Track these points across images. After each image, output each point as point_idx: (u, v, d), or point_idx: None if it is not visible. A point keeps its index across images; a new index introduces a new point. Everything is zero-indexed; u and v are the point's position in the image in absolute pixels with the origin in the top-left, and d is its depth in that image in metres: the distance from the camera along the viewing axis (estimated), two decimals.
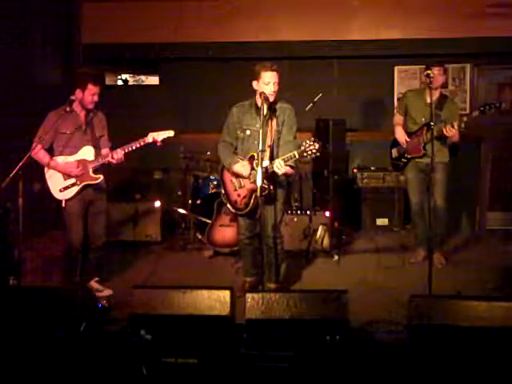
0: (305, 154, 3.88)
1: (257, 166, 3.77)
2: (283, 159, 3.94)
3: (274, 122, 4.15)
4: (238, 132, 4.28)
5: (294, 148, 4.06)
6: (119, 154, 4.34)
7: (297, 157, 3.93)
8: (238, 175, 4.25)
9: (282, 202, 4.30)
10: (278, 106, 4.19)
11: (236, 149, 4.34)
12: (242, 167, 4.19)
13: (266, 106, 3.99)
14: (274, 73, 4.08)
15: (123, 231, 6.08)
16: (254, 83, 4.14)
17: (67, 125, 4.40)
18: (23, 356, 3.09)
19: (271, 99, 4.04)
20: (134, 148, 4.37)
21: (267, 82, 4.06)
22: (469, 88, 6.81)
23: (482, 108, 4.76)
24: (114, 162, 4.38)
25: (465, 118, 4.90)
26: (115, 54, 6.99)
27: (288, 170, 4.00)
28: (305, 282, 4.90)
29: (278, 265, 4.42)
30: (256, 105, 4.20)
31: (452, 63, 6.60)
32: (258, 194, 3.73)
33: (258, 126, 4.08)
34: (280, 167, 3.93)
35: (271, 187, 4.11)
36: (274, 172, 4.00)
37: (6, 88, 5.53)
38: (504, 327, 2.89)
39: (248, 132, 4.24)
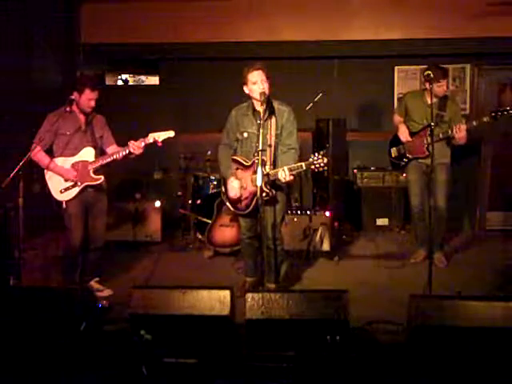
0: (312, 167, 3.91)
1: (257, 167, 3.77)
2: (289, 168, 3.95)
3: (273, 124, 4.15)
4: (237, 134, 4.30)
5: (296, 155, 4.11)
6: (136, 144, 4.34)
7: (303, 168, 3.95)
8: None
9: (282, 204, 4.29)
10: (275, 107, 4.18)
11: (236, 150, 4.34)
12: (234, 187, 4.19)
13: (262, 108, 3.99)
14: (259, 71, 4.09)
15: (123, 231, 6.08)
16: (245, 88, 4.17)
17: (67, 126, 4.39)
18: (23, 356, 3.09)
19: (267, 92, 4.03)
20: (132, 150, 4.37)
21: (254, 82, 4.08)
22: (469, 88, 6.81)
23: (493, 114, 4.69)
24: (136, 152, 4.35)
25: (474, 123, 4.84)
26: (115, 54, 7.00)
27: (291, 179, 4.01)
28: (305, 282, 4.90)
29: (277, 265, 4.42)
30: (253, 107, 4.21)
31: (452, 63, 6.60)
32: (258, 194, 3.73)
33: (254, 128, 4.12)
34: (285, 176, 3.94)
35: (273, 191, 4.12)
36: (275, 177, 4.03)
37: (7, 89, 5.54)
38: (504, 327, 2.89)
39: (245, 135, 4.25)
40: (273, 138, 4.14)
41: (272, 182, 4.08)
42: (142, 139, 4.35)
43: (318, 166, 3.88)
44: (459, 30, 6.40)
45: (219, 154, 4.38)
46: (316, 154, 3.89)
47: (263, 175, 3.75)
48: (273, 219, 4.24)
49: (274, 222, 4.26)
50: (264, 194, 3.89)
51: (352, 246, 6.03)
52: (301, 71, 6.77)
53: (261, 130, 3.85)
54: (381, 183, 6.60)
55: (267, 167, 4.05)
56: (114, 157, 4.40)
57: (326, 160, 3.86)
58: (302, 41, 6.68)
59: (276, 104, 4.21)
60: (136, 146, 4.34)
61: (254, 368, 2.98)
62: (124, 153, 4.38)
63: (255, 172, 4.09)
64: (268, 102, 4.09)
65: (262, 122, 3.93)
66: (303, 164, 3.93)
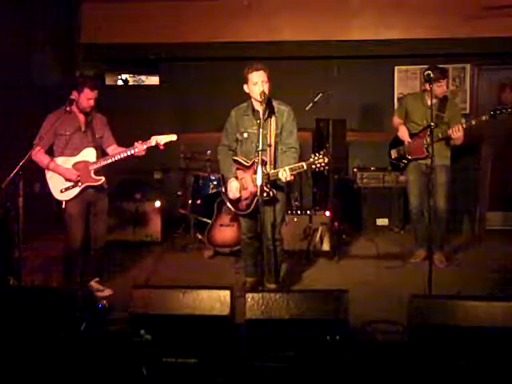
0: (313, 167, 3.92)
1: (257, 167, 3.77)
2: (290, 169, 3.95)
3: (273, 124, 4.15)
4: (237, 135, 4.29)
5: (297, 154, 4.11)
6: (142, 145, 4.35)
7: (304, 168, 3.95)
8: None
9: (282, 204, 4.29)
10: (275, 106, 4.18)
11: (235, 151, 4.34)
12: (233, 188, 4.21)
13: (262, 108, 3.99)
14: (260, 72, 4.08)
15: (123, 231, 6.07)
16: (245, 87, 4.16)
17: (67, 126, 4.38)
18: (24, 356, 3.09)
19: (266, 93, 4.03)
20: (137, 150, 4.38)
21: (255, 82, 4.07)
22: (469, 88, 6.82)
23: (492, 112, 4.70)
24: (139, 154, 4.36)
25: (473, 121, 4.85)
26: (115, 54, 7.01)
27: (292, 178, 4.02)
28: (305, 282, 4.90)
29: (277, 266, 4.43)
30: (253, 107, 4.21)
31: (452, 63, 6.60)
32: (259, 194, 3.73)
33: (254, 128, 4.11)
34: (286, 176, 3.95)
35: (273, 191, 4.13)
36: (276, 177, 4.03)
37: (6, 88, 5.54)
38: (504, 327, 2.89)
39: (245, 135, 4.25)
40: (273, 138, 4.14)
41: (272, 182, 4.08)
42: (144, 142, 4.35)
43: (318, 165, 3.89)
44: (459, 30, 6.41)
45: (219, 156, 4.38)
46: (317, 154, 3.89)
47: (263, 175, 3.75)
48: (273, 219, 4.24)
49: (274, 222, 4.26)
50: (264, 194, 3.89)
51: (352, 246, 6.02)
52: (301, 71, 6.77)
53: (261, 130, 3.84)
54: (381, 183, 6.60)
55: (267, 167, 4.05)
56: (116, 158, 4.40)
57: (326, 160, 3.87)
58: (301, 41, 6.68)
59: (276, 104, 4.20)
60: (139, 149, 4.35)
61: (254, 368, 2.98)
62: (126, 154, 4.38)
63: (256, 172, 4.09)
64: (268, 101, 4.09)
65: (261, 121, 3.94)
66: (304, 164, 3.94)
